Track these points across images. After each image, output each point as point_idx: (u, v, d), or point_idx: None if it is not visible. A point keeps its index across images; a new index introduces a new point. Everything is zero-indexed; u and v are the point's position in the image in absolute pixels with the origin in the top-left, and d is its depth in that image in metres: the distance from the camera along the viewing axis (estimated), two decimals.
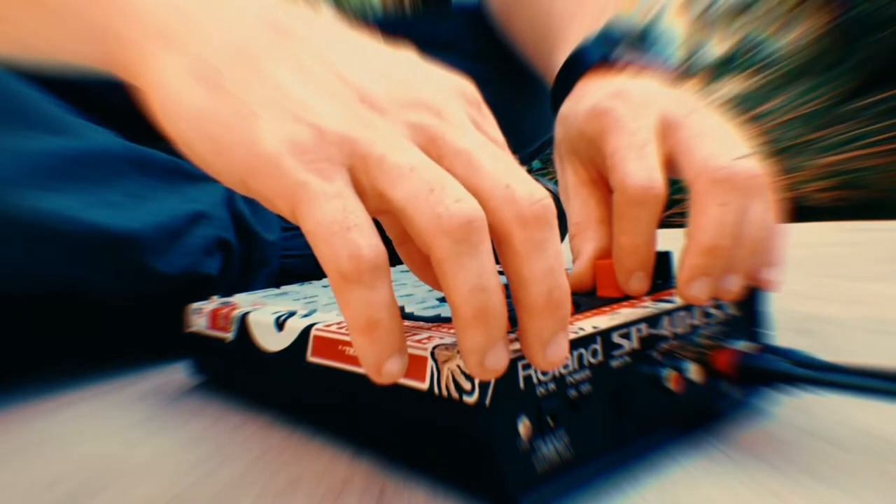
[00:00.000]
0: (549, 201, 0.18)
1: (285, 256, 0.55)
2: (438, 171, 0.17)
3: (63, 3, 0.21)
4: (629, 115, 0.27)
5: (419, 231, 0.17)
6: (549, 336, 0.18)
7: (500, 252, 0.18)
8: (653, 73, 0.31)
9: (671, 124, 0.27)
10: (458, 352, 0.19)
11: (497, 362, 0.17)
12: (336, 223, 0.16)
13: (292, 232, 0.56)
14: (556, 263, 0.17)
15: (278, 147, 0.17)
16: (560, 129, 0.33)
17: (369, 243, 0.16)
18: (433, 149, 0.18)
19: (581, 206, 0.30)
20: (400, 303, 0.28)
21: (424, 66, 0.21)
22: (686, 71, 0.33)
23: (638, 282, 0.26)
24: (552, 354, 0.18)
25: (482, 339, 0.17)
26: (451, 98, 0.20)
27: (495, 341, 0.17)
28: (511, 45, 0.54)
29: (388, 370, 0.17)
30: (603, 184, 0.31)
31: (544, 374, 0.20)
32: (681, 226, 0.25)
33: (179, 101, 0.18)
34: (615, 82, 0.30)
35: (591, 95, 0.30)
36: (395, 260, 0.21)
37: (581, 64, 0.33)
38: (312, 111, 0.17)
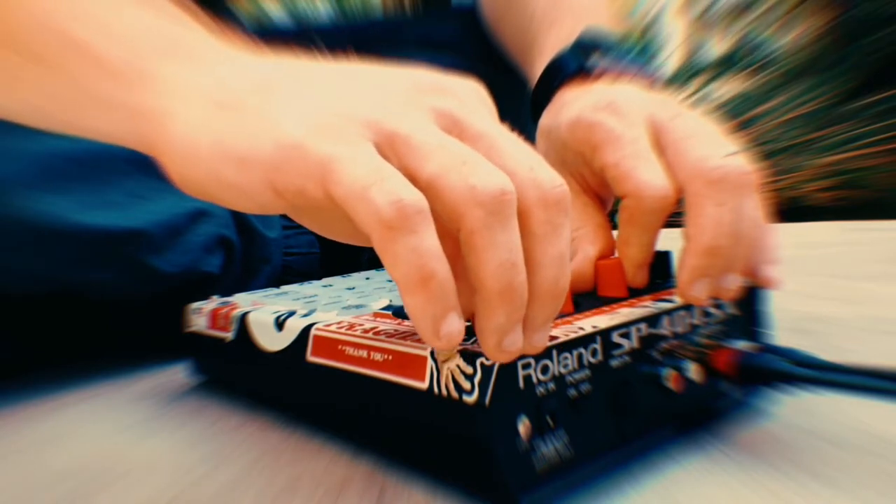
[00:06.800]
0: (568, 188, 0.18)
1: (287, 254, 0.55)
2: (466, 147, 0.17)
3: (99, 88, 0.21)
4: (620, 125, 0.27)
5: (451, 203, 0.16)
6: (541, 323, 0.18)
7: None
8: (630, 79, 0.31)
9: (658, 129, 0.27)
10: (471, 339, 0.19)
11: (514, 344, 0.17)
12: (370, 176, 0.16)
13: (294, 230, 0.56)
14: (566, 250, 0.18)
15: (302, 131, 0.17)
16: (542, 142, 0.33)
17: (409, 189, 0.16)
18: (456, 130, 0.18)
19: (579, 214, 0.31)
20: (398, 302, 0.28)
21: (434, 72, 0.21)
22: (663, 76, 0.33)
23: (643, 275, 0.28)
24: (538, 341, 0.18)
25: (504, 319, 0.17)
26: (467, 89, 0.20)
27: (516, 322, 0.17)
28: (503, 50, 0.54)
29: (447, 330, 0.16)
30: (594, 192, 0.31)
31: (544, 373, 0.20)
32: (678, 225, 0.25)
33: (198, 133, 0.19)
34: (595, 92, 0.30)
35: (571, 107, 0.30)
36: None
37: (558, 74, 0.33)
38: (335, 104, 0.18)
